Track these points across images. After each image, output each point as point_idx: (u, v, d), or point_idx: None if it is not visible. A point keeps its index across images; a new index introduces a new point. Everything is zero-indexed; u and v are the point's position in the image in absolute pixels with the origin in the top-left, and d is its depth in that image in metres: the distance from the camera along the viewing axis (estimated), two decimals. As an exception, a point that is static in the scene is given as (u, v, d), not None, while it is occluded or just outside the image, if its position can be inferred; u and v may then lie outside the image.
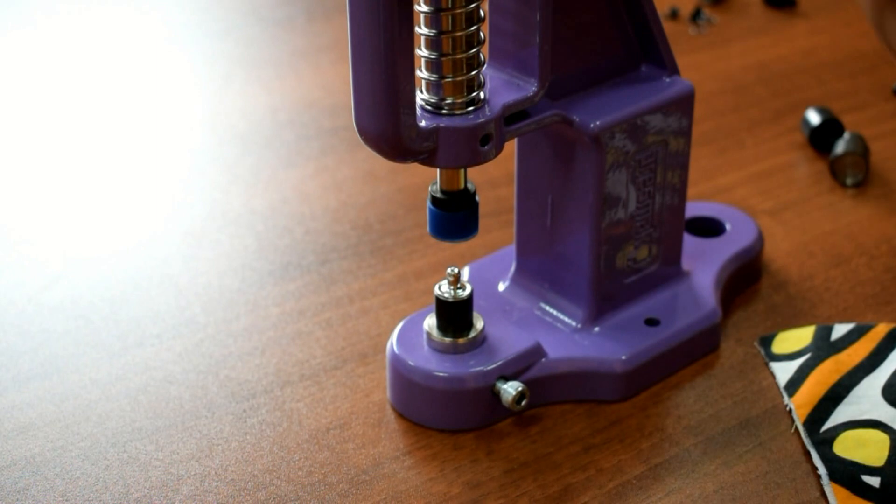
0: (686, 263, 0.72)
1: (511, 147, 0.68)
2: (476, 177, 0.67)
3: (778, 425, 0.66)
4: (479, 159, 0.60)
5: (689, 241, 0.74)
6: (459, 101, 0.59)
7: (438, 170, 0.62)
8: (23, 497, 0.63)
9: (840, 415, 0.65)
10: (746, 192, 0.84)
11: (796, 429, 0.65)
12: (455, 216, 0.62)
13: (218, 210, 0.83)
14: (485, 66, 0.61)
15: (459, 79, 0.59)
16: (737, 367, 0.69)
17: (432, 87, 0.59)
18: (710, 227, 0.76)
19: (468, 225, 0.63)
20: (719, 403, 0.67)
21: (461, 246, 0.78)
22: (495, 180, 0.83)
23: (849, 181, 0.84)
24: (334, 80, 0.98)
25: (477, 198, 0.63)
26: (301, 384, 0.69)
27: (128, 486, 0.63)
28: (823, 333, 0.70)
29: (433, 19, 0.58)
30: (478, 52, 0.59)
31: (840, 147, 0.84)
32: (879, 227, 0.80)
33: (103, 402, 0.68)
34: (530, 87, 0.61)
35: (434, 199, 0.62)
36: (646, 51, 0.66)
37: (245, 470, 0.64)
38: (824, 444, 0.63)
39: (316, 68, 1.00)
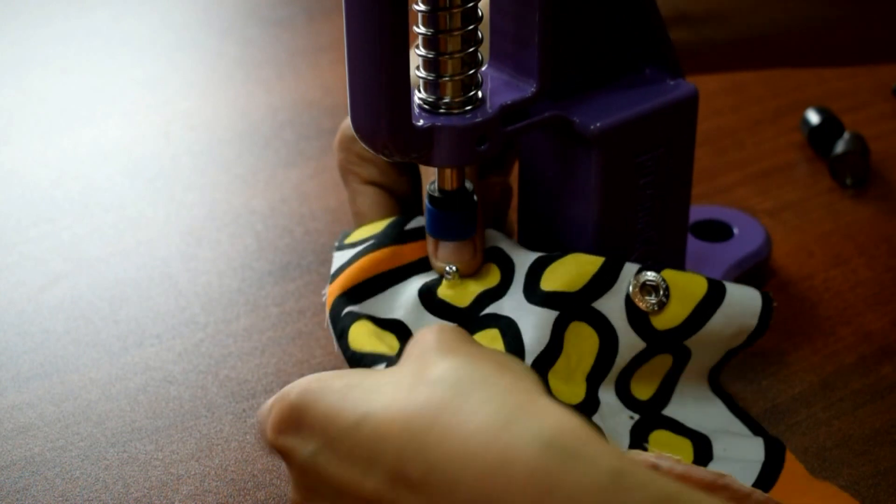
0: (691, 267, 0.72)
1: (511, 147, 0.68)
2: (476, 177, 0.67)
3: (777, 425, 0.66)
4: (475, 159, 0.60)
5: (696, 245, 0.74)
6: (457, 100, 0.59)
7: (436, 169, 0.62)
8: (23, 497, 0.63)
9: (369, 306, 0.64)
10: (746, 192, 0.84)
11: None
12: (453, 215, 0.62)
13: (218, 210, 0.83)
14: (484, 65, 0.61)
15: (456, 78, 0.59)
16: (737, 367, 0.69)
17: (430, 86, 0.59)
18: (717, 231, 0.76)
19: (467, 224, 0.63)
20: (719, 403, 0.67)
21: (461, 246, 0.77)
22: (495, 180, 0.83)
23: (849, 181, 0.84)
24: (334, 80, 0.98)
25: (475, 197, 0.63)
26: (301, 384, 0.69)
27: (128, 486, 0.63)
28: (400, 221, 0.68)
29: (430, 18, 0.58)
30: (475, 52, 0.59)
31: (840, 147, 0.84)
32: (879, 227, 0.80)
33: (103, 402, 0.68)
34: (529, 88, 0.61)
35: (432, 199, 0.62)
36: (649, 53, 0.66)
37: (245, 470, 0.64)
38: (343, 334, 0.63)
39: (316, 68, 1.00)
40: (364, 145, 0.59)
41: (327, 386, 0.52)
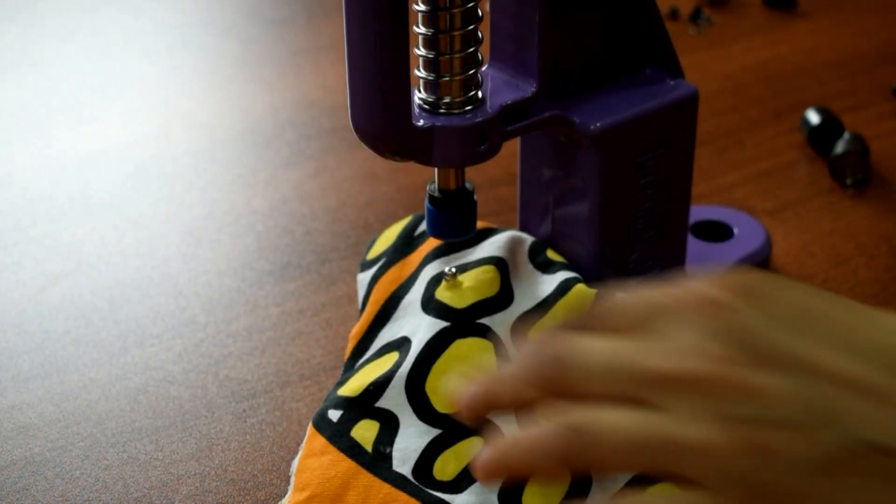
0: (692, 267, 0.72)
1: (511, 146, 0.68)
2: (476, 176, 0.67)
3: (777, 425, 0.66)
4: (475, 159, 0.60)
5: (696, 245, 0.74)
6: (457, 100, 0.59)
7: (436, 169, 0.62)
8: (23, 497, 0.63)
9: (379, 339, 0.65)
10: (746, 192, 0.84)
11: None
12: (453, 215, 0.62)
13: (218, 210, 0.83)
14: (484, 65, 0.61)
15: (456, 78, 0.59)
16: (736, 366, 0.69)
17: (430, 86, 0.59)
18: (717, 231, 0.76)
19: (466, 224, 0.63)
20: (719, 403, 0.67)
21: (461, 246, 0.78)
22: (495, 180, 0.83)
23: (849, 181, 0.84)
24: (335, 80, 0.98)
25: (475, 197, 0.63)
26: (301, 384, 0.69)
27: (127, 486, 0.63)
28: (412, 225, 0.68)
29: (430, 18, 0.58)
30: (475, 52, 0.59)
31: (840, 147, 0.84)
32: (879, 227, 0.80)
33: (103, 402, 0.68)
34: (529, 88, 0.61)
35: (432, 199, 0.62)
36: (650, 53, 0.66)
37: (245, 470, 0.64)
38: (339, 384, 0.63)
39: (316, 68, 1.00)
40: (364, 145, 0.59)
41: (782, 280, 0.53)
